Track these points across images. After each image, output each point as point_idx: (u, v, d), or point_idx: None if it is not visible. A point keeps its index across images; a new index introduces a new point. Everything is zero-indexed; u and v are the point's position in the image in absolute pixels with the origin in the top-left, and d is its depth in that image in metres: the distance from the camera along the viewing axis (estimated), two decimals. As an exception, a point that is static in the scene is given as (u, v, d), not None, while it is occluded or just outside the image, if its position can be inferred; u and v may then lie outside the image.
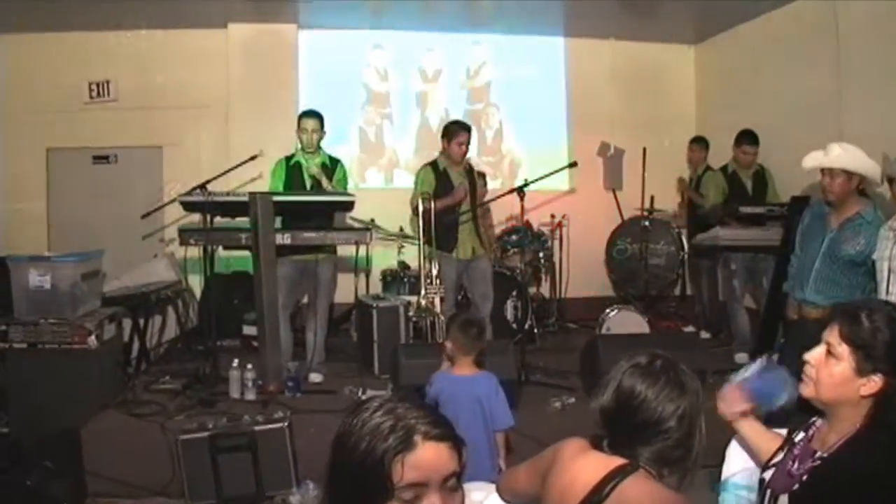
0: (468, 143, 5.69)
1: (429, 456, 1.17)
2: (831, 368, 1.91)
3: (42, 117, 7.39)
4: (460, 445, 1.22)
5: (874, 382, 1.87)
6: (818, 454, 1.93)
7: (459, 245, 5.69)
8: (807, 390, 1.98)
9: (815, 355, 1.96)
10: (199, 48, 7.62)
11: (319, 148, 5.38)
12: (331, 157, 5.47)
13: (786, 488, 1.94)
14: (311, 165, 5.31)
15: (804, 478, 1.92)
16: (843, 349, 1.90)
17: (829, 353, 1.93)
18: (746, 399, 2.16)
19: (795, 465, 1.97)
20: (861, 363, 1.87)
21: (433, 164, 5.79)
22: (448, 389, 3.49)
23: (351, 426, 1.22)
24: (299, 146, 5.41)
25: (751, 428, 2.20)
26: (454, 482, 1.20)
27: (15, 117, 7.41)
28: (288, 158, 5.44)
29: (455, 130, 5.68)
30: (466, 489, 1.28)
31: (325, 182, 5.29)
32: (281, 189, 5.31)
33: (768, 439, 2.17)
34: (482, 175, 6.19)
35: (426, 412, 1.22)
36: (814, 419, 2.03)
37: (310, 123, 5.32)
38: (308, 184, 5.35)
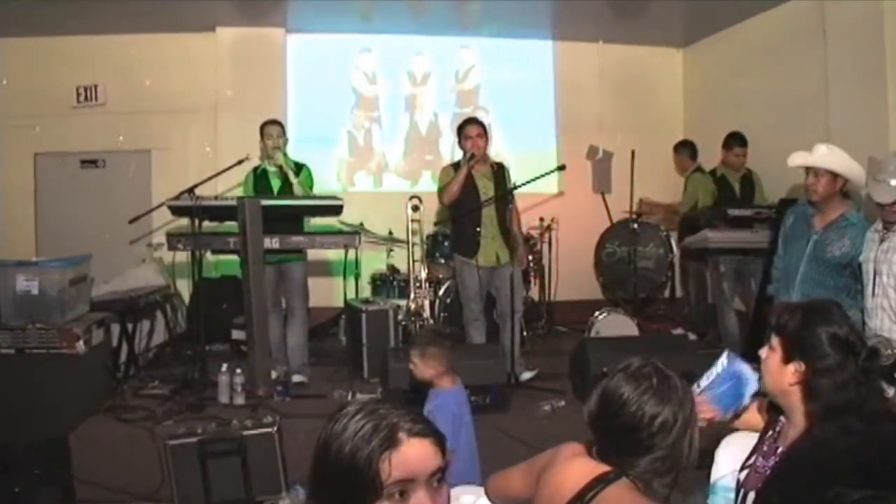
0: (480, 136, 5.26)
1: (414, 452, 1.18)
2: (769, 359, 2.01)
3: (30, 122, 7.37)
4: (443, 442, 1.24)
5: (796, 370, 1.93)
6: (780, 450, 2.00)
7: (482, 251, 5.27)
8: (761, 384, 2.10)
9: (763, 350, 2.04)
10: (187, 52, 7.60)
11: (285, 155, 5.40)
12: (296, 163, 5.50)
13: (753, 485, 2.00)
14: (277, 158, 5.32)
15: (768, 473, 1.97)
16: (775, 340, 1.99)
17: (771, 346, 2.01)
18: (711, 407, 2.21)
19: (761, 462, 2.04)
20: (785, 351, 1.96)
21: (455, 164, 5.54)
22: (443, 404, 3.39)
23: (333, 431, 1.22)
24: (264, 155, 5.47)
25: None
26: (440, 478, 1.22)
27: (2, 122, 7.39)
28: (255, 169, 5.51)
29: (461, 126, 5.41)
30: (455, 493, 1.29)
31: (291, 175, 5.31)
32: None
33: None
34: (501, 166, 5.58)
35: (406, 410, 1.24)
36: (781, 417, 2.07)
37: (274, 130, 5.38)
38: (275, 189, 5.38)
